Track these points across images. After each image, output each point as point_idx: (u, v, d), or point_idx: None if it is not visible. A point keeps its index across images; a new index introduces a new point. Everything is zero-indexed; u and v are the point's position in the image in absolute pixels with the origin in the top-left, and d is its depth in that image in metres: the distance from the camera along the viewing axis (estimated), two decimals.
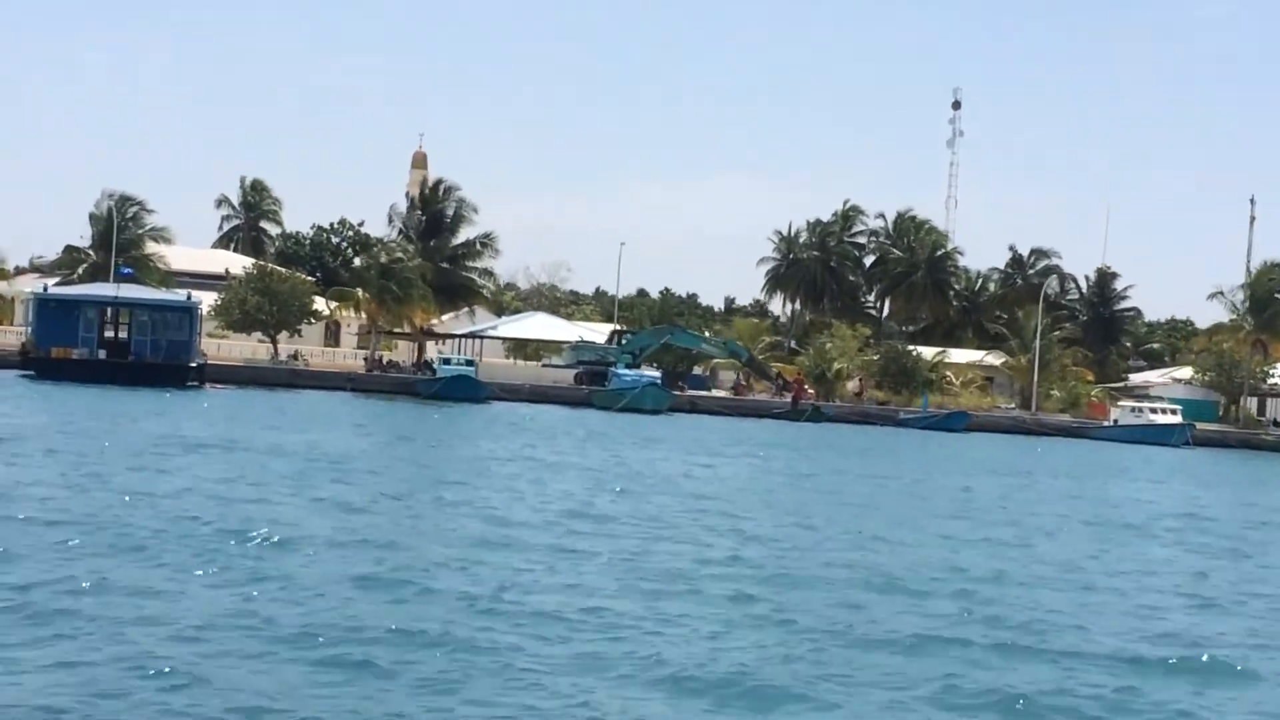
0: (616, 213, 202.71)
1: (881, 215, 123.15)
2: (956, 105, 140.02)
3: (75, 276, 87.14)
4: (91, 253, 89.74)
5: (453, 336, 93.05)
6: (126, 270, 76.55)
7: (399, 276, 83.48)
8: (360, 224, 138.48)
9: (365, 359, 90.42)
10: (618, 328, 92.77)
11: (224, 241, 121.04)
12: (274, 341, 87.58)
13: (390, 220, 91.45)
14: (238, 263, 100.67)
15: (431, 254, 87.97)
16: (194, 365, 68.64)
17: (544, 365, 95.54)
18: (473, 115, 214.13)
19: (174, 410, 48.37)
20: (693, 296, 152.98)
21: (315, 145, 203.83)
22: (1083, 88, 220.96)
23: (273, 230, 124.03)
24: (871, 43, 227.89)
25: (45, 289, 68.84)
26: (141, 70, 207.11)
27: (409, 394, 76.60)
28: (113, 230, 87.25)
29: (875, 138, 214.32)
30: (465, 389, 74.55)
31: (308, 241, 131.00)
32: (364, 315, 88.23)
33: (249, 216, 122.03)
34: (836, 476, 40.11)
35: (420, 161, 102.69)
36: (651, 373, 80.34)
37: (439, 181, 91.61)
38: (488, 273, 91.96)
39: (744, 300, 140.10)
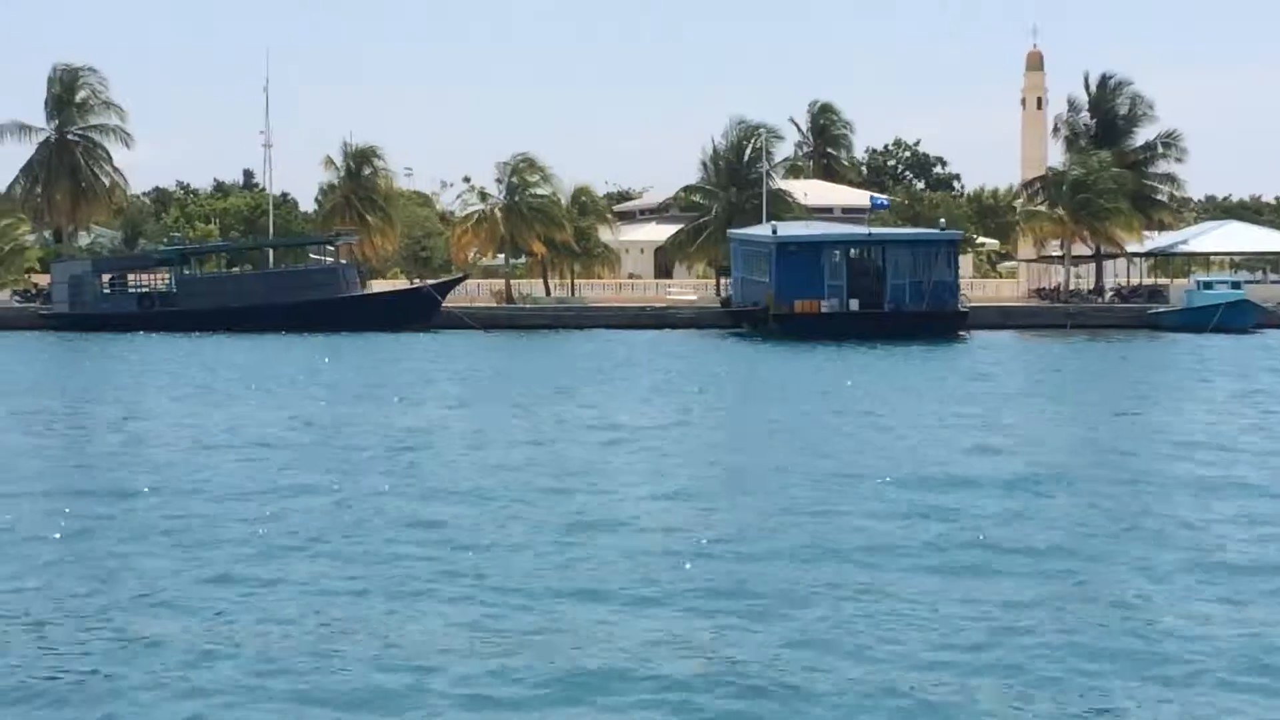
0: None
1: None
2: None
3: (710, 219, 78.21)
4: (718, 190, 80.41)
5: (1132, 255, 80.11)
6: (882, 201, 66.43)
7: (1099, 189, 71.30)
8: (916, 143, 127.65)
9: (1035, 290, 79.12)
10: None
11: (793, 171, 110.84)
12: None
13: (1055, 129, 79.29)
14: (813, 192, 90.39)
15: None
16: (963, 311, 58.29)
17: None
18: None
19: None
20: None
21: (875, 60, 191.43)
22: None
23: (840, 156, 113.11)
24: None
25: (774, 231, 59.13)
26: None
27: (1137, 326, 65.54)
28: (747, 163, 78.03)
29: None
30: (1243, 317, 62.36)
31: (863, 167, 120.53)
32: (1045, 239, 76.45)
33: (817, 142, 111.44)
34: None
35: (1036, 62, 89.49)
36: None
37: (1106, 76, 78.62)
38: (1170, 178, 78.54)
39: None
